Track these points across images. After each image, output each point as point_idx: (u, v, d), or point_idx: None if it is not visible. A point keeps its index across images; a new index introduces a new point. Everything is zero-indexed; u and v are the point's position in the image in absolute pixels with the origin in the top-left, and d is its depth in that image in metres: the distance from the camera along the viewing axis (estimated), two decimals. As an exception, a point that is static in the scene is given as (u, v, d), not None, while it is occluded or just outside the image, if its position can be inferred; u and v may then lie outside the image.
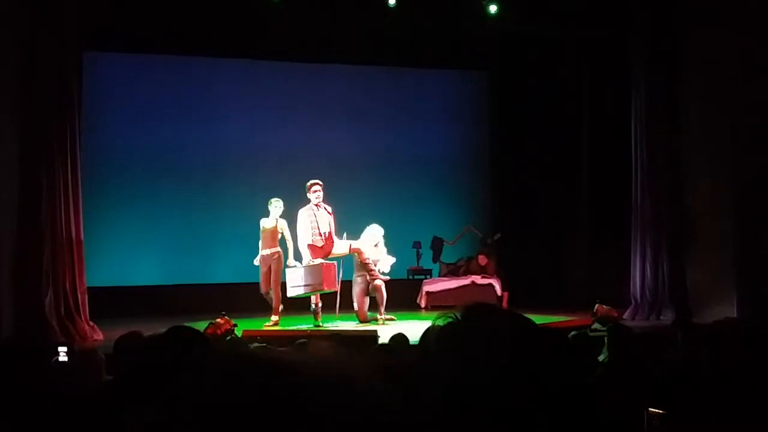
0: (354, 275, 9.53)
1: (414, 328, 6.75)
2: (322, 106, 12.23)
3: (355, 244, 9.36)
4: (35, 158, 8.36)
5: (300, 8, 10.77)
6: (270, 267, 9.09)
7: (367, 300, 9.50)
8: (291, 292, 8.84)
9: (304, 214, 9.04)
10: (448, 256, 12.15)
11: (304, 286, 8.75)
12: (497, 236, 12.06)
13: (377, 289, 9.34)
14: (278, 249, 9.13)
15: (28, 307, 8.12)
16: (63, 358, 4.53)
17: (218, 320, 7.53)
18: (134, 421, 0.85)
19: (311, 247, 9.01)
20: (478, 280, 11.51)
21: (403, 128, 12.72)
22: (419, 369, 1.20)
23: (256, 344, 4.70)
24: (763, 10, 8.81)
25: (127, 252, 11.28)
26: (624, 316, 9.77)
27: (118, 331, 4.51)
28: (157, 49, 11.49)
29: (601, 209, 11.54)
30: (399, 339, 4.93)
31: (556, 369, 1.09)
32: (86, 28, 9.33)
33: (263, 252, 9.13)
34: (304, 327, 8.77)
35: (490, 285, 11.38)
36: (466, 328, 1.13)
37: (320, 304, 8.97)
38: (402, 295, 10.76)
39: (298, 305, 9.19)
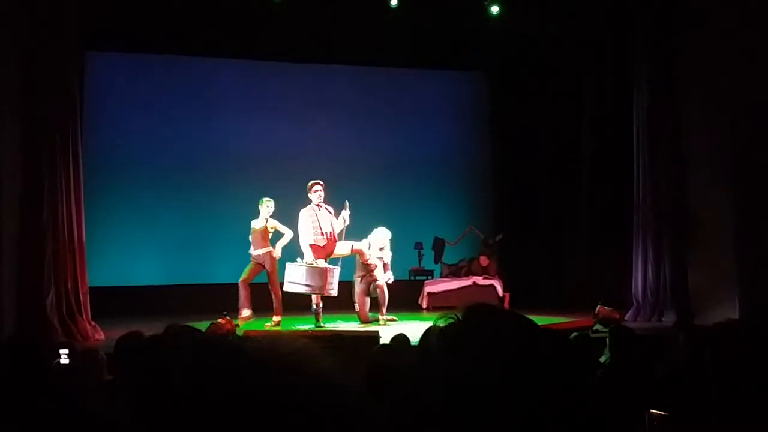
0: (355, 276, 9.53)
1: (415, 329, 6.74)
2: (323, 106, 12.24)
3: (357, 244, 9.35)
4: (37, 158, 8.37)
5: (301, 8, 10.77)
6: (260, 266, 9.09)
7: (368, 300, 9.50)
8: (288, 287, 8.82)
9: (305, 214, 9.05)
10: (450, 256, 12.15)
11: (305, 285, 8.74)
12: (499, 237, 12.05)
13: (379, 289, 9.33)
14: (269, 248, 9.12)
15: (29, 307, 8.13)
16: (64, 360, 4.53)
17: (220, 320, 7.54)
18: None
19: (313, 246, 9.01)
20: (480, 281, 11.51)
21: (404, 128, 12.72)
22: (420, 370, 1.19)
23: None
24: (763, 9, 8.80)
25: (128, 252, 11.28)
26: (625, 318, 9.76)
27: (120, 331, 4.51)
28: (158, 48, 11.50)
29: (602, 210, 11.53)
30: (400, 339, 4.92)
31: (558, 370, 1.09)
32: (87, 28, 9.34)
33: (254, 252, 9.12)
34: (305, 327, 8.77)
35: (492, 286, 11.37)
36: (467, 328, 1.13)
37: (321, 305, 8.96)
38: (403, 295, 10.76)
39: (298, 305, 9.19)
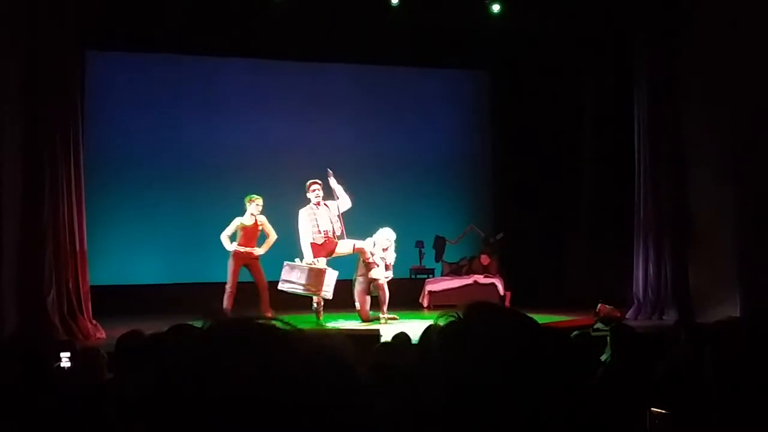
0: (356, 274, 9.53)
1: (416, 328, 6.74)
2: (324, 105, 12.24)
3: (359, 243, 9.35)
4: (37, 157, 8.37)
5: (301, 7, 10.76)
6: (245, 265, 9.08)
7: (369, 299, 9.50)
8: (283, 286, 8.82)
9: (304, 214, 9.08)
10: (451, 255, 12.15)
11: (301, 285, 8.74)
12: (499, 236, 12.05)
13: (380, 288, 9.34)
14: (256, 251, 9.12)
15: (30, 306, 8.14)
16: (65, 363, 4.53)
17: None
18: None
19: (313, 245, 9.03)
20: (481, 279, 11.51)
21: (405, 127, 12.71)
22: (421, 368, 1.19)
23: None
24: (763, 9, 8.80)
25: (129, 250, 11.29)
26: (626, 316, 9.76)
27: (121, 330, 4.51)
28: (159, 47, 11.50)
29: (603, 209, 11.53)
30: (401, 338, 4.93)
31: (559, 369, 1.09)
32: (88, 27, 9.34)
33: (242, 249, 9.09)
34: (305, 326, 8.76)
35: (493, 284, 11.38)
36: (467, 327, 1.12)
37: (322, 303, 8.97)
38: (404, 294, 10.77)
39: (298, 304, 9.19)
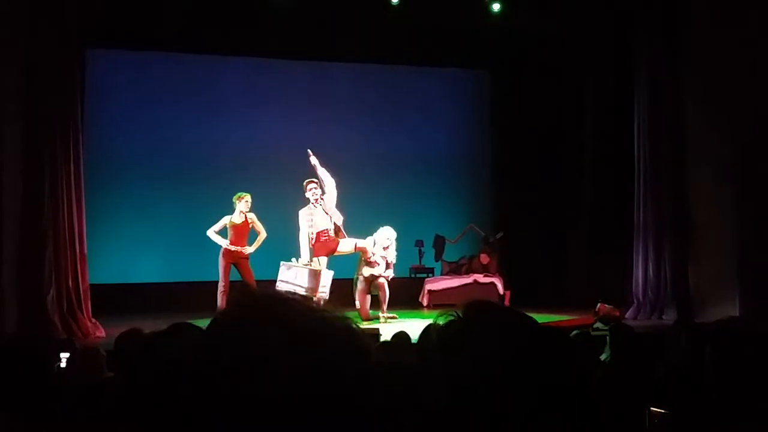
0: (356, 273, 9.53)
1: (416, 327, 6.73)
2: (324, 104, 12.23)
3: (360, 242, 9.35)
4: (38, 156, 8.37)
5: (303, 6, 10.76)
6: (234, 264, 9.07)
7: (369, 298, 9.51)
8: (280, 286, 8.82)
9: (303, 214, 9.11)
10: (450, 254, 12.15)
11: (297, 286, 8.74)
12: (499, 235, 12.05)
13: (380, 287, 9.34)
14: (247, 249, 9.11)
15: (30, 304, 8.14)
16: (65, 362, 4.53)
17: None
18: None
19: (314, 245, 9.05)
20: (480, 278, 11.52)
21: (405, 127, 12.71)
22: (420, 367, 1.19)
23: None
24: (763, 8, 8.79)
25: (129, 249, 11.29)
26: (626, 316, 9.76)
27: (120, 328, 4.52)
28: (159, 46, 11.50)
29: (603, 208, 11.53)
30: (401, 337, 4.92)
31: (558, 368, 1.09)
32: (88, 27, 9.34)
33: (232, 247, 9.08)
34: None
35: (492, 284, 11.39)
36: (467, 326, 1.12)
37: (322, 303, 8.97)
38: (404, 293, 10.77)
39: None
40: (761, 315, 8.10)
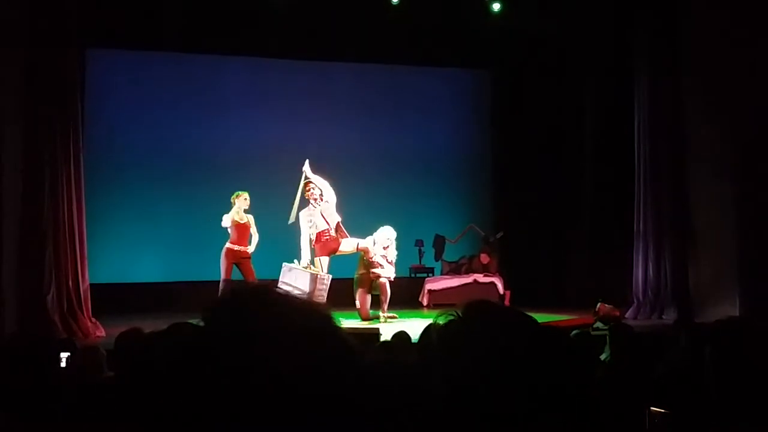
0: (357, 273, 9.53)
1: (416, 327, 6.73)
2: (325, 103, 12.22)
3: (362, 242, 9.36)
4: (37, 156, 8.36)
5: (303, 5, 10.76)
6: (236, 264, 9.05)
7: (369, 298, 9.51)
8: (281, 287, 8.82)
9: (303, 215, 9.11)
10: (450, 254, 12.15)
11: (295, 288, 8.75)
12: (499, 235, 12.05)
13: (381, 287, 9.34)
14: (249, 249, 9.11)
15: (30, 304, 8.13)
16: (64, 364, 4.53)
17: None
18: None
19: (315, 245, 9.06)
20: (480, 278, 11.52)
21: (405, 126, 12.71)
22: (420, 367, 1.19)
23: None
24: (763, 8, 8.79)
25: (129, 249, 11.28)
26: (626, 315, 9.76)
27: (120, 328, 4.51)
28: (160, 46, 11.49)
29: (603, 208, 11.53)
30: (401, 337, 4.92)
31: (558, 367, 1.09)
32: (88, 26, 9.34)
33: (233, 246, 9.08)
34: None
35: (492, 283, 11.38)
36: (467, 325, 1.12)
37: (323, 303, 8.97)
38: (404, 293, 10.76)
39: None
40: (761, 315, 8.11)
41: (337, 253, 9.21)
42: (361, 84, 12.54)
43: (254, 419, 0.82)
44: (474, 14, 11.18)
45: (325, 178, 9.33)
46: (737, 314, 8.27)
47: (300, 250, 9.09)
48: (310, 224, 9.08)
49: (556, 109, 12.35)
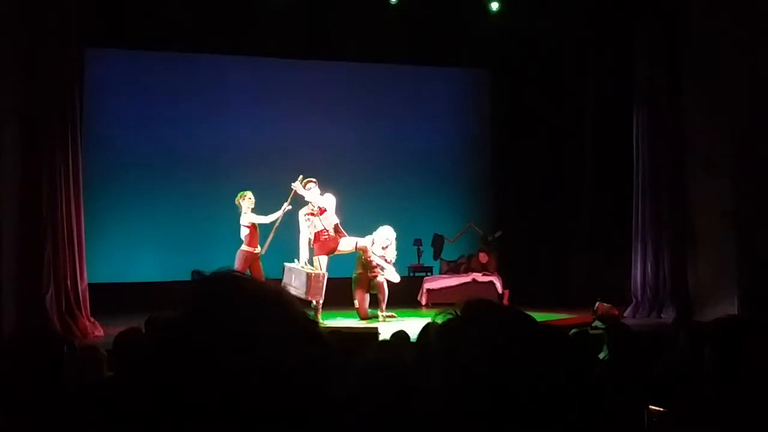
0: (355, 272, 9.53)
1: (415, 326, 6.74)
2: (323, 103, 12.22)
3: (361, 242, 9.36)
4: (36, 155, 8.35)
5: (301, 5, 10.76)
6: (251, 265, 9.06)
7: (368, 297, 9.51)
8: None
9: (303, 214, 9.11)
10: (449, 253, 12.15)
11: (293, 287, 8.77)
12: (498, 234, 12.06)
13: (379, 286, 9.34)
14: (257, 250, 9.12)
15: (29, 303, 8.12)
16: (64, 364, 4.51)
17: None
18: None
19: (314, 245, 9.06)
20: (479, 277, 11.52)
21: (405, 126, 12.71)
22: (419, 366, 1.19)
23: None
24: (764, 8, 8.80)
25: (128, 248, 11.28)
26: (625, 314, 9.78)
27: (119, 328, 4.51)
28: (160, 45, 11.49)
29: (602, 207, 11.54)
30: (400, 336, 4.92)
31: (556, 366, 1.09)
32: (87, 25, 9.33)
33: (256, 250, 9.07)
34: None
35: (491, 282, 11.39)
36: (465, 324, 1.12)
37: (321, 301, 8.98)
38: (403, 292, 10.76)
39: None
40: (760, 313, 8.11)
41: (336, 253, 9.22)
42: (360, 83, 12.53)
43: (230, 412, 0.82)
44: (473, 14, 11.18)
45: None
46: (736, 313, 8.28)
47: (299, 249, 9.10)
48: (309, 223, 9.09)
49: (555, 108, 12.35)
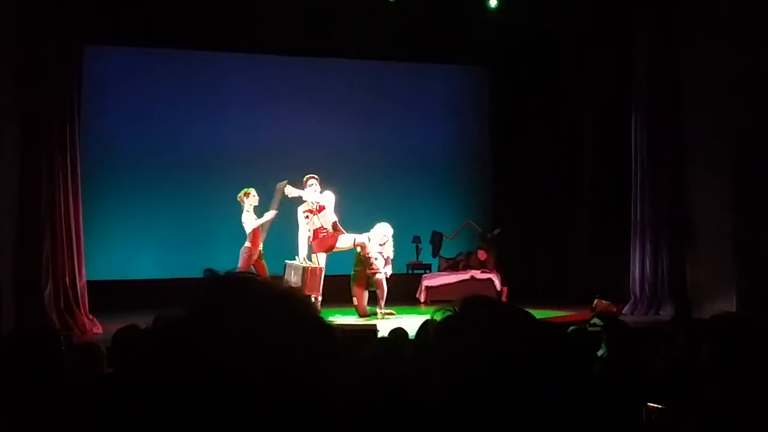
0: (353, 269, 9.53)
1: (413, 323, 6.73)
2: (322, 100, 12.21)
3: (359, 238, 9.36)
4: (35, 152, 8.34)
5: (301, 3, 10.75)
6: (255, 263, 9.03)
7: (366, 294, 9.51)
8: None
9: (302, 211, 9.10)
10: (448, 250, 12.16)
11: (291, 283, 8.78)
12: (497, 231, 12.05)
13: (378, 283, 9.34)
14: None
15: (27, 301, 8.13)
16: (64, 362, 4.52)
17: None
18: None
19: (313, 242, 9.06)
20: (478, 274, 11.52)
21: (403, 123, 12.70)
22: (417, 363, 1.20)
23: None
24: (764, 8, 8.80)
25: (126, 245, 11.27)
26: (623, 311, 9.78)
27: (118, 325, 4.52)
28: (159, 42, 11.46)
29: (601, 204, 11.54)
30: (398, 333, 4.93)
31: (555, 363, 1.09)
32: (86, 22, 9.32)
33: (257, 247, 9.08)
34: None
35: (490, 280, 11.39)
36: (464, 321, 1.13)
37: (320, 299, 8.99)
38: (401, 289, 10.76)
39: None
40: (758, 310, 8.12)
41: (335, 250, 9.22)
42: (359, 81, 12.52)
43: (230, 412, 0.82)
44: (471, 10, 11.16)
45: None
46: (734, 310, 8.29)
47: (298, 246, 9.09)
48: (308, 221, 9.08)
49: (555, 106, 12.35)
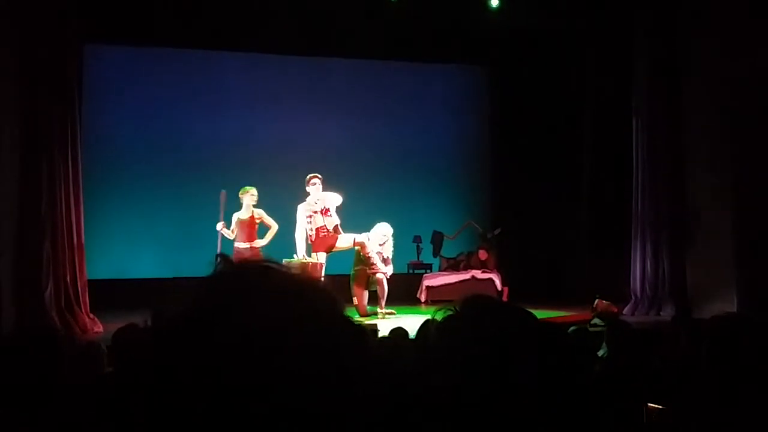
0: (354, 269, 9.53)
1: (414, 322, 6.73)
2: (322, 99, 12.22)
3: (359, 237, 9.36)
4: (35, 151, 8.34)
5: (300, 2, 10.75)
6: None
7: (366, 294, 9.51)
8: None
9: (303, 209, 9.09)
10: (449, 250, 12.16)
11: None
12: (497, 231, 12.05)
13: (378, 283, 9.34)
14: (257, 243, 9.09)
15: (28, 300, 8.13)
16: (64, 361, 4.52)
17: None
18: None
19: (312, 240, 9.05)
20: (479, 274, 11.52)
21: (404, 122, 12.70)
22: (418, 363, 1.20)
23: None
24: (764, 8, 8.80)
25: (127, 245, 11.28)
26: (624, 312, 9.78)
27: (118, 324, 4.52)
28: (159, 42, 11.47)
29: (602, 204, 11.54)
30: (399, 333, 4.93)
31: (556, 363, 1.09)
32: (86, 21, 9.32)
33: (238, 245, 9.06)
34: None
35: (490, 279, 11.38)
36: (464, 321, 1.13)
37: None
38: (402, 289, 10.76)
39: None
40: (758, 311, 8.13)
41: (335, 250, 9.21)
42: (359, 80, 12.53)
43: (231, 412, 0.82)
44: (472, 10, 11.16)
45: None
46: (734, 310, 8.29)
47: (296, 244, 9.08)
48: (310, 219, 9.07)
49: (555, 105, 12.35)
